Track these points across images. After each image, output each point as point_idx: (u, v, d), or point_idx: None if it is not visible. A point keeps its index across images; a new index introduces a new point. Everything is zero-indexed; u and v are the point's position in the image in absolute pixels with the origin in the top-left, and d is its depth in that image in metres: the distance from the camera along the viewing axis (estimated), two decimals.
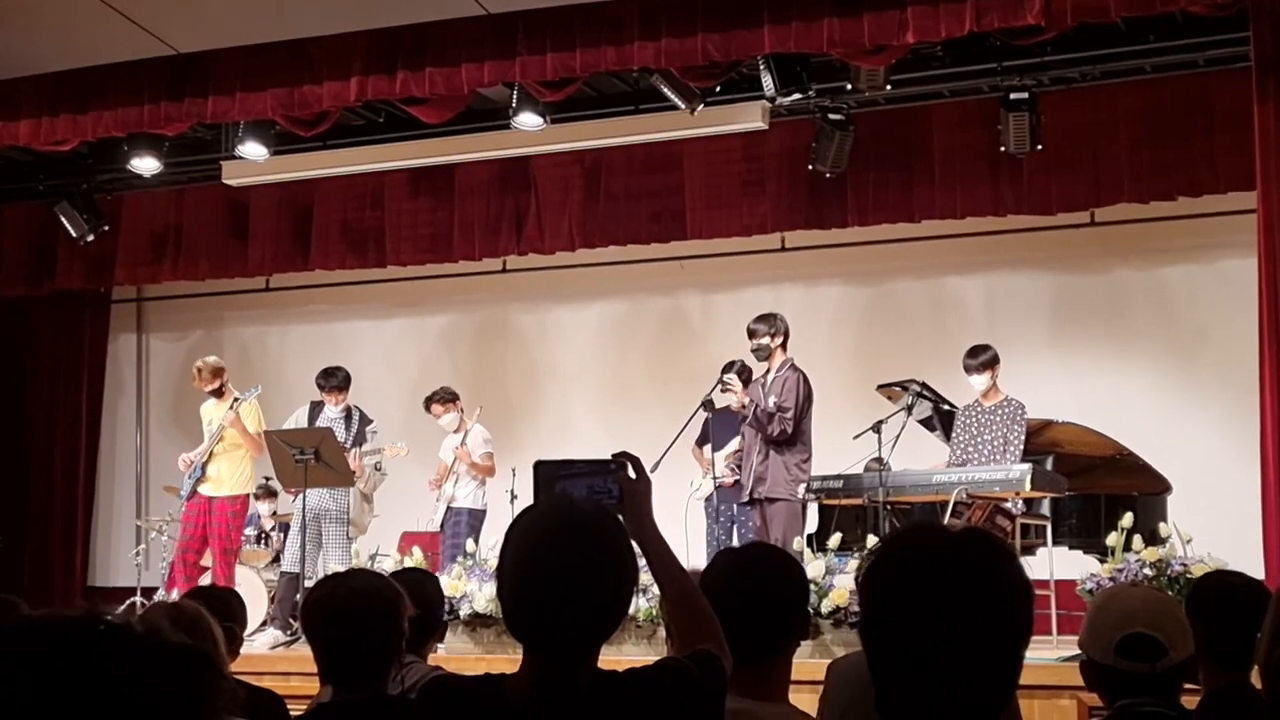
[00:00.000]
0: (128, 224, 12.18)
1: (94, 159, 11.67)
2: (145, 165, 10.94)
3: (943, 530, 1.97)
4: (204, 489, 9.69)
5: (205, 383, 9.82)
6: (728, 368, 9.07)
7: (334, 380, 10.06)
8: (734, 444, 9.25)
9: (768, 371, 8.82)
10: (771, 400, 8.58)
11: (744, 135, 10.20)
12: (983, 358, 8.60)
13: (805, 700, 2.99)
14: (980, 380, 8.58)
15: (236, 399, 9.69)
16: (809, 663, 7.35)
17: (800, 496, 8.53)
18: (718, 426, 9.21)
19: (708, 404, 9.02)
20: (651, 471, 2.66)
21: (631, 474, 2.54)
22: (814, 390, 8.73)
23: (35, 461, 13.18)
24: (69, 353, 13.33)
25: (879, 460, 8.35)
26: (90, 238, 11.89)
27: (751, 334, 8.79)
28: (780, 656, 2.84)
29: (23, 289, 12.54)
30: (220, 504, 9.64)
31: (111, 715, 1.19)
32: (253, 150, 10.54)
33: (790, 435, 8.55)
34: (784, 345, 8.79)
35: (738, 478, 9.18)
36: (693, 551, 8.40)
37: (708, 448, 9.55)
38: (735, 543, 9.33)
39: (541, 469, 2.55)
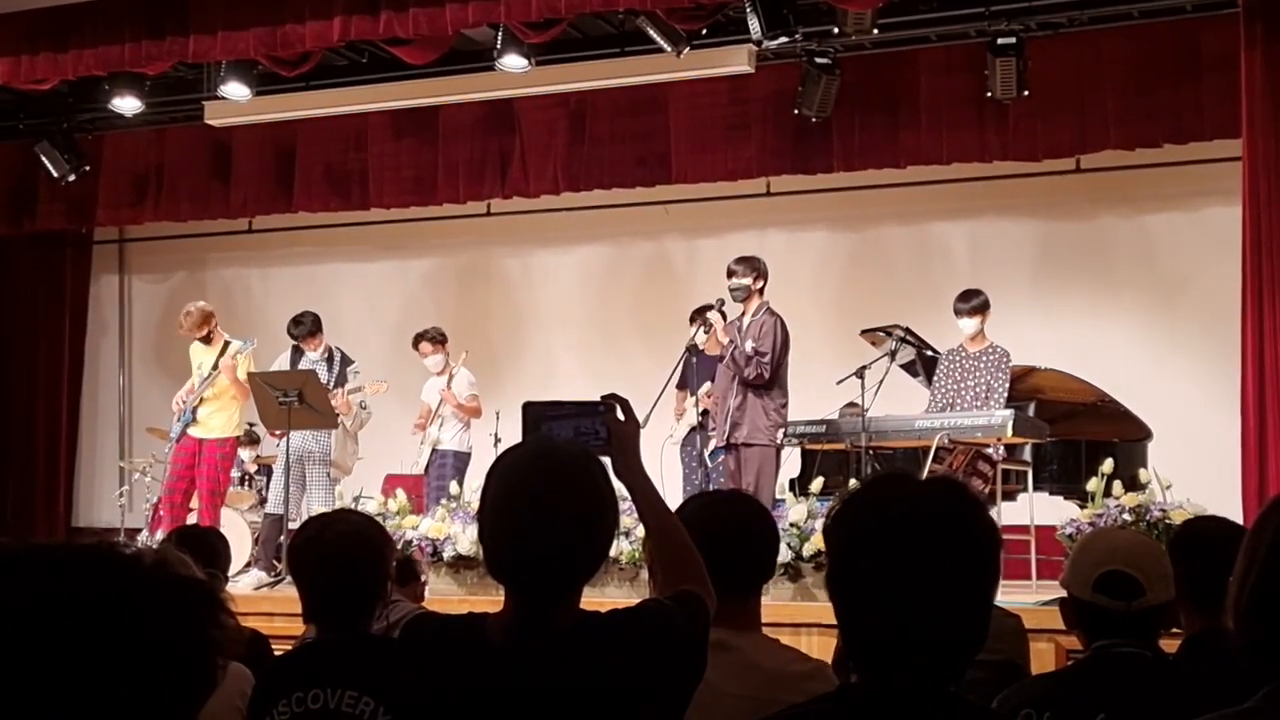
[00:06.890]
0: (109, 164, 12.09)
1: (74, 98, 11.57)
2: (126, 105, 10.87)
3: (909, 479, 1.97)
4: (194, 431, 9.65)
5: (191, 331, 9.73)
6: (698, 313, 9.04)
7: (303, 328, 10.00)
8: (709, 384, 9.20)
9: (743, 314, 8.78)
10: (749, 344, 8.56)
11: (730, 79, 10.13)
12: (974, 302, 8.63)
13: (785, 640, 3.02)
14: (970, 324, 8.59)
15: (228, 343, 9.63)
16: (791, 605, 7.45)
17: (779, 441, 8.53)
18: (698, 369, 9.20)
19: (693, 349, 9.01)
20: (642, 426, 2.66)
21: (620, 416, 2.53)
22: (797, 335, 8.70)
23: (17, 403, 13.14)
24: (51, 294, 13.26)
25: (853, 405, 8.35)
26: (71, 178, 11.82)
27: (731, 274, 8.72)
28: (754, 593, 2.87)
29: (3, 229, 12.46)
30: (210, 446, 9.61)
31: (118, 645, 1.21)
32: (235, 90, 10.45)
33: (767, 380, 8.54)
34: (762, 289, 8.75)
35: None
36: (670, 496, 8.39)
37: (687, 391, 9.55)
38: (713, 487, 9.34)
39: (530, 410, 2.54)
